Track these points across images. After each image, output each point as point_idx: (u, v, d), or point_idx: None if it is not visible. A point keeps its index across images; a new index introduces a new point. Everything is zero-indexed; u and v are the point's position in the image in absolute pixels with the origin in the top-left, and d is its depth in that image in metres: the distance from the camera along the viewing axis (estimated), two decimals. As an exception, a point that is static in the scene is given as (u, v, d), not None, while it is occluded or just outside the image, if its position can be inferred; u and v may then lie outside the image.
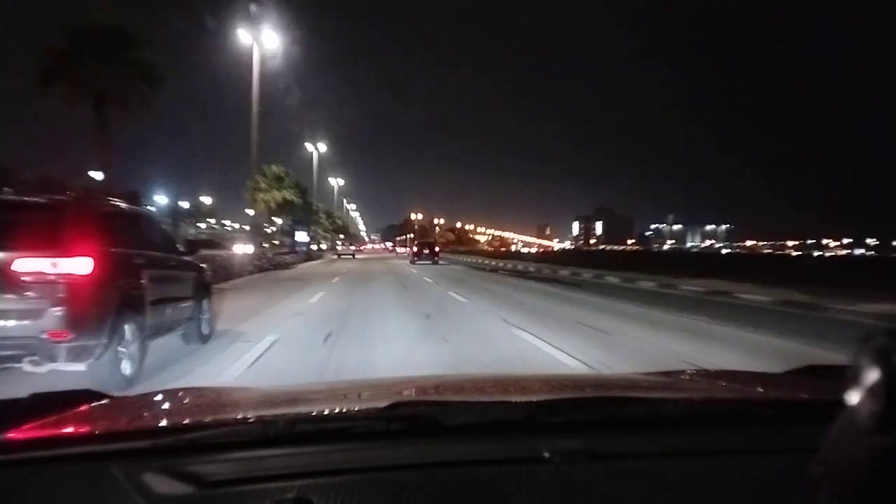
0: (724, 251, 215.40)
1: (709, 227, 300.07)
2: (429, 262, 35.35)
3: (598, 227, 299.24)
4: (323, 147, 69.34)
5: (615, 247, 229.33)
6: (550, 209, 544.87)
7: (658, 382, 2.00)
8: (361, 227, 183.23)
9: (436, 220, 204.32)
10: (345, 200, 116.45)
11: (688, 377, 2.15)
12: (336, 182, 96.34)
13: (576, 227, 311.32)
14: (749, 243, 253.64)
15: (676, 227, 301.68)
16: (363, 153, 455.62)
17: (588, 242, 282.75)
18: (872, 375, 0.54)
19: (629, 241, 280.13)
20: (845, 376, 0.57)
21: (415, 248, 39.81)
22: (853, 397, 0.56)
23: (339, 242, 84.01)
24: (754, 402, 1.51)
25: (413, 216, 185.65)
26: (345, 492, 0.95)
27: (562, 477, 1.03)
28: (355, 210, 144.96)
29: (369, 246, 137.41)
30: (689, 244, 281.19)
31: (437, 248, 39.57)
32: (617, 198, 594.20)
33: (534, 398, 1.49)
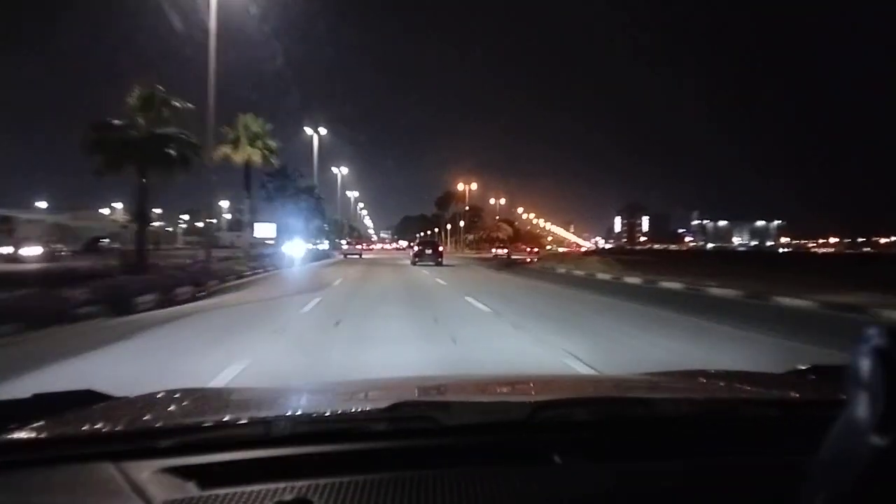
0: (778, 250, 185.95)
1: (759, 224, 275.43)
2: (431, 262, 33.23)
3: (644, 224, 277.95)
4: (323, 131, 51.72)
5: (670, 245, 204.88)
6: (573, 204, 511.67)
7: (658, 383, 1.98)
8: (368, 222, 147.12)
9: (493, 200, 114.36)
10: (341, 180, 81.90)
11: (688, 377, 2.08)
12: (339, 171, 72.01)
13: (618, 224, 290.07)
14: (834, 240, 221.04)
15: (722, 223, 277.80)
16: (368, 146, 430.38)
17: (633, 240, 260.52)
18: (872, 375, 0.53)
19: (687, 239, 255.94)
20: (845, 376, 0.57)
21: (416, 248, 37.07)
22: (853, 397, 0.55)
23: (343, 241, 68.46)
24: (754, 402, 1.51)
25: (461, 187, 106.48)
26: (345, 492, 0.96)
27: (562, 477, 1.04)
28: (357, 197, 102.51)
29: (378, 246, 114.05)
30: (736, 242, 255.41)
31: (440, 248, 37.48)
32: (645, 193, 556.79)
33: (535, 398, 1.50)
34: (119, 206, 60.09)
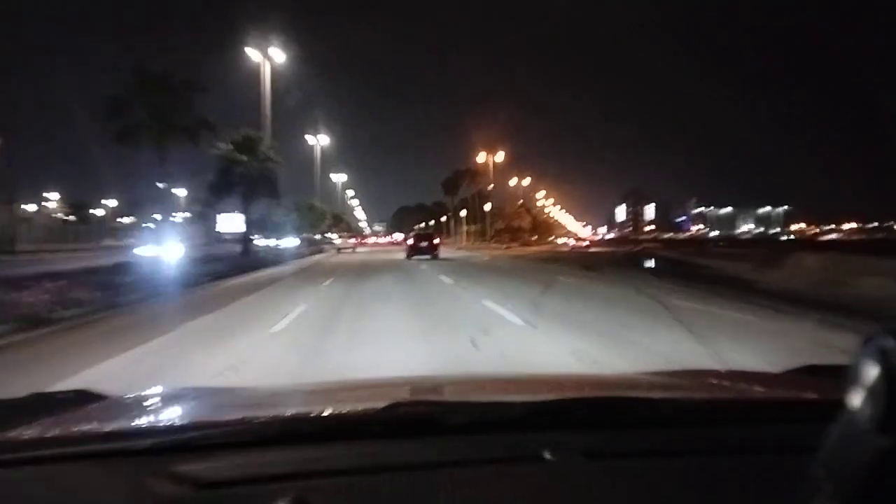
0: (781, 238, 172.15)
1: (763, 210, 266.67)
2: (427, 256, 32.45)
3: (647, 212, 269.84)
4: (281, 57, 33.71)
5: (676, 234, 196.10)
6: (566, 191, 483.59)
7: (658, 382, 1.98)
8: (360, 214, 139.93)
9: (513, 180, 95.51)
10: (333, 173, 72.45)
11: (688, 376, 2.07)
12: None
13: (621, 212, 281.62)
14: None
15: (724, 210, 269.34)
16: (363, 142, 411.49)
17: (638, 229, 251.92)
18: (873, 375, 0.53)
19: (699, 227, 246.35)
20: (846, 376, 0.57)
21: (411, 241, 36.14)
22: (854, 397, 0.56)
23: (334, 234, 61.05)
24: (754, 402, 1.53)
25: (483, 158, 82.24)
26: (344, 492, 0.96)
27: (561, 477, 1.04)
28: (344, 182, 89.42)
29: (371, 240, 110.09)
30: (740, 229, 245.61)
31: (436, 241, 35.87)
32: (643, 180, 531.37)
33: (533, 398, 1.51)
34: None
